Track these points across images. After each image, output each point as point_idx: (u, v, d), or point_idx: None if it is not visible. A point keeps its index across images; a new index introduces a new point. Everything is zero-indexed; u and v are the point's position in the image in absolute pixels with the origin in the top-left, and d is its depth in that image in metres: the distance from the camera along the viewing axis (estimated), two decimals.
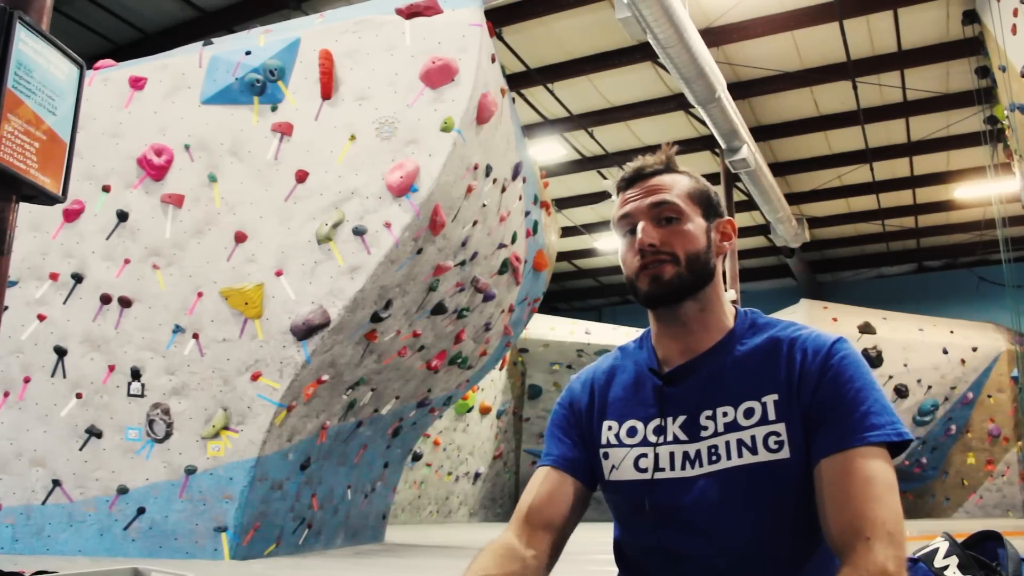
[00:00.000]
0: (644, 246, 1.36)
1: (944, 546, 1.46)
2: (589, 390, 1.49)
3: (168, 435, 5.39)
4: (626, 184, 1.46)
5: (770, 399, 1.30)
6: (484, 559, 1.31)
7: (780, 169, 13.33)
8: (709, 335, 1.39)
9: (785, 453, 1.26)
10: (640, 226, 1.38)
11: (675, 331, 1.41)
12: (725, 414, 1.32)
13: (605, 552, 1.54)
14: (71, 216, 5.75)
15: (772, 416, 1.29)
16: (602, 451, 1.42)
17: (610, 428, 1.43)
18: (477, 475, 13.17)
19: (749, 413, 1.31)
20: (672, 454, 1.34)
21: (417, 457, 11.38)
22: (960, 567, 1.42)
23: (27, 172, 2.27)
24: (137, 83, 5.92)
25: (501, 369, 12.83)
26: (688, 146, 12.38)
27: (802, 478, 1.26)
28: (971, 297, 16.89)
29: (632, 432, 1.40)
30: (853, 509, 1.16)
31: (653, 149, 1.46)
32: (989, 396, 13.36)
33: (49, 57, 2.36)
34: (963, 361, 13.05)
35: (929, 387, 12.77)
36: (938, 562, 1.45)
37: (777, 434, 1.27)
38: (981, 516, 13.19)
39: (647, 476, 1.34)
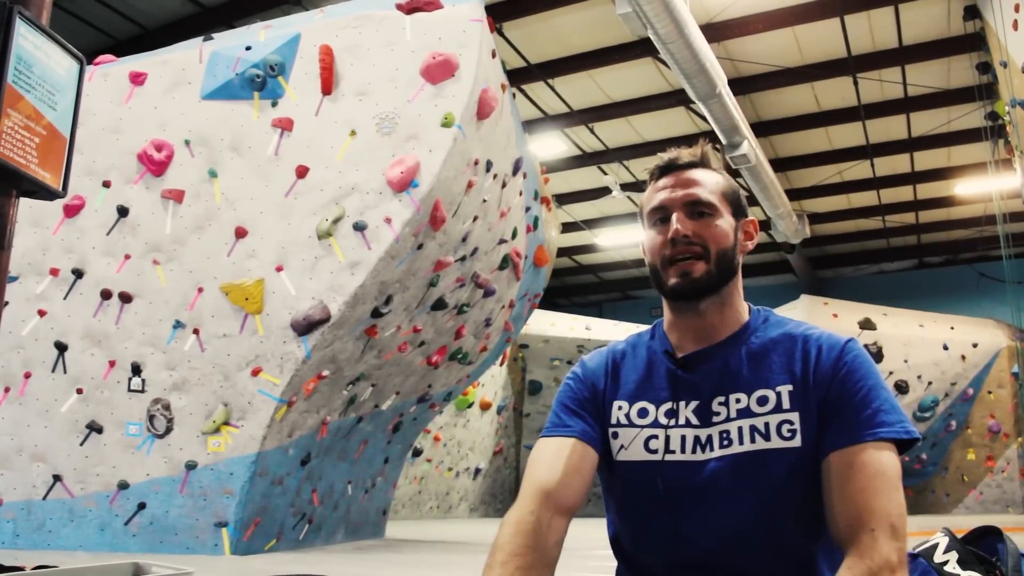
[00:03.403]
0: (678, 236, 1.38)
1: (944, 541, 1.47)
2: (604, 370, 1.50)
3: (168, 430, 5.40)
4: (660, 173, 1.50)
5: (784, 389, 1.33)
6: (512, 547, 1.27)
7: (781, 165, 13.30)
8: (725, 327, 1.43)
9: (797, 441, 1.29)
10: (675, 216, 1.40)
11: (691, 322, 1.44)
12: (738, 400, 1.34)
13: (605, 548, 1.54)
14: (71, 212, 5.75)
15: (786, 405, 1.31)
16: (611, 431, 1.43)
17: (620, 408, 1.44)
18: (477, 471, 13.18)
19: (763, 401, 1.33)
20: (683, 437, 1.36)
21: (417, 453, 11.39)
22: (960, 562, 1.42)
23: (27, 167, 2.27)
24: (137, 78, 5.91)
25: (501, 365, 12.83)
26: (688, 142, 12.35)
27: (811, 468, 1.28)
28: (971, 293, 16.86)
29: (643, 413, 1.41)
30: (859, 502, 1.19)
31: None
32: (989, 392, 13.34)
33: (49, 52, 2.35)
34: (963, 357, 13.04)
35: (929, 383, 12.76)
36: (938, 557, 1.45)
37: (791, 422, 1.30)
38: (981, 512, 13.18)
39: (657, 457, 1.36)
